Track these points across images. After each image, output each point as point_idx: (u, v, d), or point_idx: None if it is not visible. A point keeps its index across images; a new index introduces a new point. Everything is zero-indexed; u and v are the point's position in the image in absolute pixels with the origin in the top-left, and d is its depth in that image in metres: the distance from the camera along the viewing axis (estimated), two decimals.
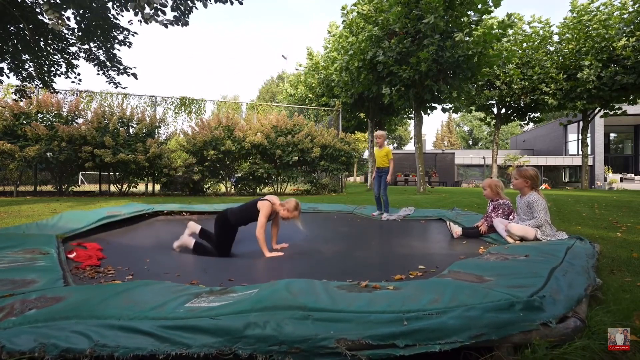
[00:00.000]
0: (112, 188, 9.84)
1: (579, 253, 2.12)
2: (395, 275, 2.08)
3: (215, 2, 5.63)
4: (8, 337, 1.00)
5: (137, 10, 4.94)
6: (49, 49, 6.54)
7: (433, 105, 12.55)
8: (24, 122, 8.26)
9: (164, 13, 5.21)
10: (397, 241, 3.44)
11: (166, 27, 5.28)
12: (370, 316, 1.07)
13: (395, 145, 48.82)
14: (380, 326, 1.02)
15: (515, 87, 17.29)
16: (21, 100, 8.15)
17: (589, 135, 19.84)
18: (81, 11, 5.96)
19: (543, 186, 25.06)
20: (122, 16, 6.21)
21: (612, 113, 16.80)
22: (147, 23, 4.94)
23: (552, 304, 1.24)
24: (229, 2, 5.67)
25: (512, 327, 1.11)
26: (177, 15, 5.55)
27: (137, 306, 1.20)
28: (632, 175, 24.70)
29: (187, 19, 5.61)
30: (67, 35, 6.48)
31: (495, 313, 1.14)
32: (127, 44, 6.78)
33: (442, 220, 4.53)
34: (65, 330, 1.02)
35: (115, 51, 6.81)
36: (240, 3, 5.74)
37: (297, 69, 20.11)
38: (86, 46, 6.65)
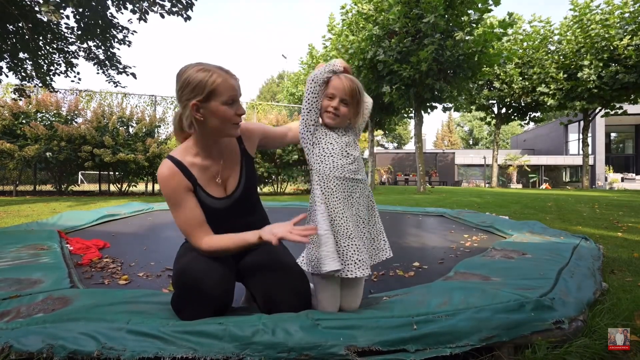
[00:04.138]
0: (112, 187, 9.82)
1: (584, 254, 2.10)
2: (408, 272, 2.10)
3: None
4: (16, 337, 0.99)
5: (134, 2, 4.87)
6: (48, 48, 6.50)
7: (433, 104, 12.53)
8: (23, 121, 8.23)
9: (162, 7, 5.15)
10: (408, 233, 3.53)
11: (162, 17, 5.20)
12: (380, 321, 1.05)
13: (396, 144, 48.82)
14: (390, 331, 1.00)
15: (516, 86, 17.26)
16: (20, 100, 8.11)
17: (589, 134, 19.81)
18: (80, 10, 5.92)
19: (544, 186, 25.06)
20: (122, 14, 6.18)
21: (612, 112, 16.77)
22: (144, 16, 4.85)
23: (562, 306, 1.22)
24: None
25: (524, 327, 1.09)
26: (178, 9, 5.49)
27: (145, 313, 1.19)
28: (633, 175, 24.67)
29: (187, 13, 5.54)
30: (66, 34, 6.44)
31: (506, 314, 1.12)
32: (127, 42, 6.76)
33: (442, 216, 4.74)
34: (73, 332, 1.01)
35: (115, 50, 6.79)
36: None
37: (300, 66, 20.05)
38: (85, 45, 6.61)
